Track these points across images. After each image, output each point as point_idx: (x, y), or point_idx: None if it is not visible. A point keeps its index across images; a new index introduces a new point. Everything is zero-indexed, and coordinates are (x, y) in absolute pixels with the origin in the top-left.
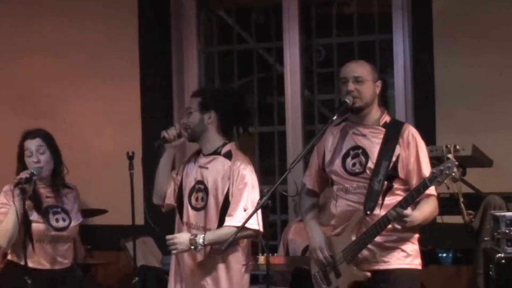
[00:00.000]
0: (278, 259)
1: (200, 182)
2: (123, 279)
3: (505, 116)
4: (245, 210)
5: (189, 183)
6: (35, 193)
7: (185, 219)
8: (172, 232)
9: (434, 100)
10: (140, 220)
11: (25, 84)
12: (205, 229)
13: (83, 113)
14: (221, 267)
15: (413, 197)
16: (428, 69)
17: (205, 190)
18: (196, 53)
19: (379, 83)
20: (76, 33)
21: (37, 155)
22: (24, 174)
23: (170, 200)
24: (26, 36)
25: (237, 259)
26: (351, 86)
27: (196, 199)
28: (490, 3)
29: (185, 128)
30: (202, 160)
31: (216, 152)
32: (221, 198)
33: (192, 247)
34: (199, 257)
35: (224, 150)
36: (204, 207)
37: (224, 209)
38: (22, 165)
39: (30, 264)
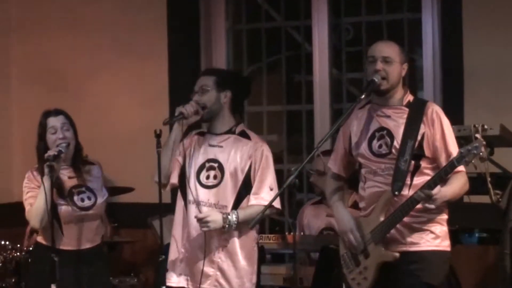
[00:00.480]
0: (303, 237)
1: (212, 160)
2: (149, 257)
3: None
4: (271, 190)
5: (196, 162)
6: (57, 177)
7: (191, 197)
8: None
9: (462, 80)
10: (167, 198)
11: (56, 62)
12: (218, 206)
13: (112, 91)
14: (236, 244)
15: (441, 178)
16: (457, 49)
17: (220, 168)
18: (225, 31)
19: (405, 66)
20: (105, 13)
21: (62, 131)
22: (52, 152)
23: (175, 179)
24: (58, 17)
25: (251, 236)
26: (380, 65)
27: (207, 177)
28: None
29: (202, 106)
30: (214, 139)
31: (230, 132)
32: (240, 177)
33: (226, 225)
34: (215, 234)
35: (237, 129)
36: (218, 185)
37: (245, 187)
38: (44, 143)
39: (59, 246)
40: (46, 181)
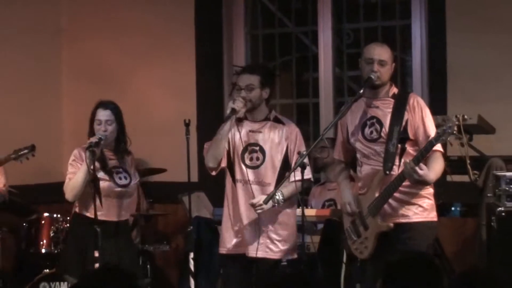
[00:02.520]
0: (311, 211)
1: (254, 144)
2: (180, 228)
3: (506, 90)
4: (308, 165)
5: (239, 146)
6: (102, 155)
7: (239, 176)
8: (223, 188)
9: (446, 77)
10: (194, 177)
11: (101, 60)
12: (262, 184)
13: (147, 85)
14: (281, 215)
15: (423, 154)
16: (441, 50)
17: (261, 150)
18: (243, 35)
19: (393, 65)
20: (143, 18)
21: (105, 125)
22: (94, 139)
23: (224, 163)
24: (103, 20)
25: (293, 208)
26: (376, 67)
27: (251, 159)
28: None
29: (248, 101)
30: (252, 125)
31: (267, 119)
32: (279, 157)
33: (276, 204)
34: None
35: (272, 116)
36: (260, 165)
37: (284, 165)
38: (91, 130)
39: (100, 217)
40: (86, 163)
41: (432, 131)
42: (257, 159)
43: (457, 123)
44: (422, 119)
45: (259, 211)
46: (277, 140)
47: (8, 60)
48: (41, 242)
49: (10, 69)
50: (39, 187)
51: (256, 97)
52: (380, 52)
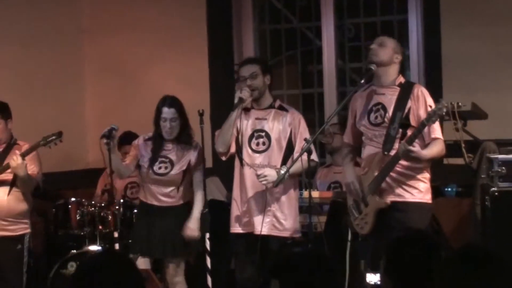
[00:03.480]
0: (317, 193)
1: (260, 130)
2: None
3: (497, 79)
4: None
5: (246, 133)
6: (158, 145)
7: (247, 160)
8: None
9: (441, 67)
10: (209, 164)
11: (120, 55)
12: (268, 167)
13: (163, 78)
14: (285, 196)
15: (416, 135)
16: (436, 42)
17: (267, 136)
18: (252, 30)
19: (399, 56)
20: (159, 15)
21: (170, 123)
22: (106, 129)
23: (233, 149)
24: (122, 18)
25: (295, 189)
26: (374, 46)
27: (257, 144)
28: None
29: (253, 89)
30: (258, 113)
31: (271, 106)
32: (284, 141)
33: (280, 179)
34: (269, 190)
35: (276, 104)
36: (267, 150)
37: (289, 148)
38: (157, 126)
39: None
40: (104, 151)
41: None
42: (263, 144)
43: (446, 105)
44: (426, 108)
45: (264, 182)
46: (281, 126)
47: (36, 57)
48: (68, 225)
49: (38, 65)
50: (65, 174)
51: (260, 84)
52: (382, 38)
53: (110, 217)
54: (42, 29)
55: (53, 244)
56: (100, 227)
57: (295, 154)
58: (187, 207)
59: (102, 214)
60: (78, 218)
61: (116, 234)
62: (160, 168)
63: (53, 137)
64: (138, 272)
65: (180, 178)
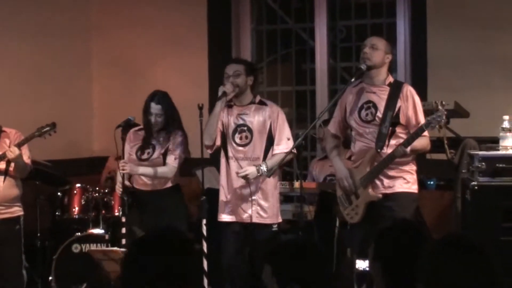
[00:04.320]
0: (308, 184)
1: (242, 125)
2: (194, 197)
3: (479, 79)
4: (288, 140)
5: (230, 127)
6: (147, 136)
7: (231, 154)
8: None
9: (426, 68)
10: (206, 154)
11: (126, 52)
12: (251, 159)
13: (165, 73)
14: (267, 185)
15: (413, 138)
16: (422, 44)
17: (249, 130)
18: (249, 30)
19: (389, 56)
20: (163, 15)
21: (155, 117)
22: (122, 122)
23: (218, 142)
24: (128, 17)
25: (276, 179)
26: (366, 49)
27: (240, 138)
28: None
29: (236, 86)
30: (240, 109)
31: (252, 102)
32: (265, 134)
33: (259, 173)
34: (253, 180)
35: (256, 100)
36: (249, 143)
37: (269, 141)
38: (145, 117)
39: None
40: (120, 141)
41: (421, 118)
42: (246, 137)
43: (445, 113)
44: (414, 107)
45: (245, 180)
46: (262, 119)
47: (46, 51)
48: (74, 209)
49: (48, 59)
50: (71, 161)
51: (243, 82)
52: (374, 39)
53: (113, 202)
54: (53, 25)
55: (58, 226)
56: (103, 211)
57: (274, 147)
58: (176, 189)
59: (105, 199)
60: (82, 203)
61: (123, 219)
62: (143, 153)
63: (47, 128)
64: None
65: (161, 162)
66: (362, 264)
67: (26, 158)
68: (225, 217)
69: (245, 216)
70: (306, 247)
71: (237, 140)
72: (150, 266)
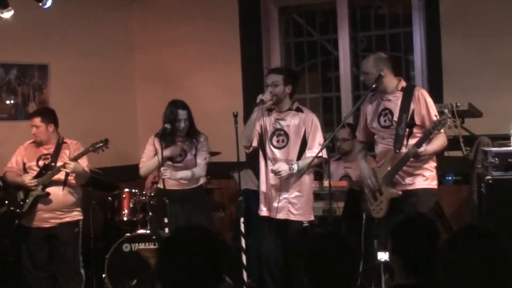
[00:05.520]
0: (339, 183)
1: (279, 129)
2: (231, 198)
3: (490, 82)
4: (319, 145)
5: (269, 131)
6: (172, 142)
7: (269, 155)
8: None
9: (441, 72)
10: (242, 158)
11: (166, 66)
12: (287, 161)
13: (202, 84)
14: (301, 184)
15: (423, 140)
16: (437, 51)
17: (285, 134)
18: (279, 43)
19: (383, 67)
20: (199, 31)
21: (184, 122)
22: (160, 130)
23: (255, 143)
24: (167, 34)
25: (310, 178)
26: (361, 78)
27: (278, 141)
28: (482, 3)
29: (273, 95)
30: (278, 115)
31: (289, 109)
32: (299, 139)
33: (290, 171)
34: (287, 179)
35: (294, 107)
36: (285, 146)
37: (303, 145)
38: (174, 124)
39: (169, 187)
40: (158, 145)
41: (435, 116)
42: (283, 141)
43: (449, 116)
44: (426, 108)
45: (278, 176)
46: (297, 125)
47: (94, 68)
48: (123, 212)
49: (95, 75)
50: (119, 168)
51: (280, 92)
52: (362, 65)
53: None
54: (99, 46)
55: (110, 228)
56: (150, 213)
57: (307, 151)
58: (201, 191)
59: (151, 202)
60: (131, 206)
61: (166, 220)
62: (177, 156)
63: (101, 144)
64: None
65: (194, 163)
66: (383, 256)
67: (85, 167)
68: (263, 212)
69: (279, 212)
70: (338, 240)
71: (275, 143)
72: (179, 260)
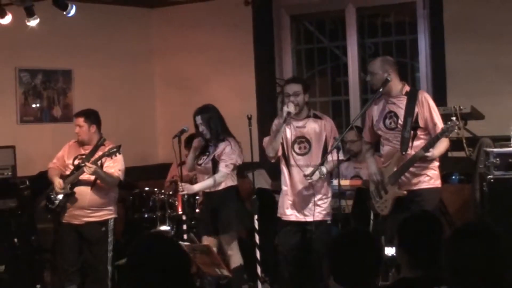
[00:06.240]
0: (353, 181)
1: (301, 137)
2: (246, 196)
3: (492, 86)
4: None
5: (289, 139)
6: (205, 144)
7: (293, 162)
8: (279, 166)
9: (445, 77)
10: (256, 158)
11: (184, 72)
12: (310, 166)
13: (219, 89)
14: (324, 188)
15: (431, 144)
16: (441, 57)
17: (307, 142)
18: (290, 50)
19: (389, 70)
20: (214, 38)
21: (202, 127)
22: (178, 132)
23: (280, 152)
24: (184, 42)
25: (328, 179)
26: (367, 79)
27: (300, 148)
28: (484, 11)
29: (296, 105)
30: (298, 123)
31: (308, 116)
32: (321, 145)
33: (322, 176)
34: (314, 184)
35: (311, 114)
36: (308, 152)
37: (325, 150)
38: (196, 129)
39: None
40: (177, 149)
41: (438, 120)
42: (305, 148)
43: (457, 123)
44: (429, 111)
45: (310, 180)
46: (318, 131)
47: (115, 74)
48: (143, 210)
49: (116, 81)
50: (140, 168)
51: (301, 101)
52: (370, 66)
53: (176, 202)
54: (120, 52)
55: (131, 225)
56: (169, 211)
57: (329, 155)
58: (229, 191)
59: (170, 200)
60: (150, 204)
61: (184, 217)
62: (199, 159)
63: (114, 150)
64: (177, 247)
65: (210, 167)
66: (390, 251)
67: (117, 170)
68: (288, 216)
69: (307, 214)
70: (365, 236)
71: (297, 150)
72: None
